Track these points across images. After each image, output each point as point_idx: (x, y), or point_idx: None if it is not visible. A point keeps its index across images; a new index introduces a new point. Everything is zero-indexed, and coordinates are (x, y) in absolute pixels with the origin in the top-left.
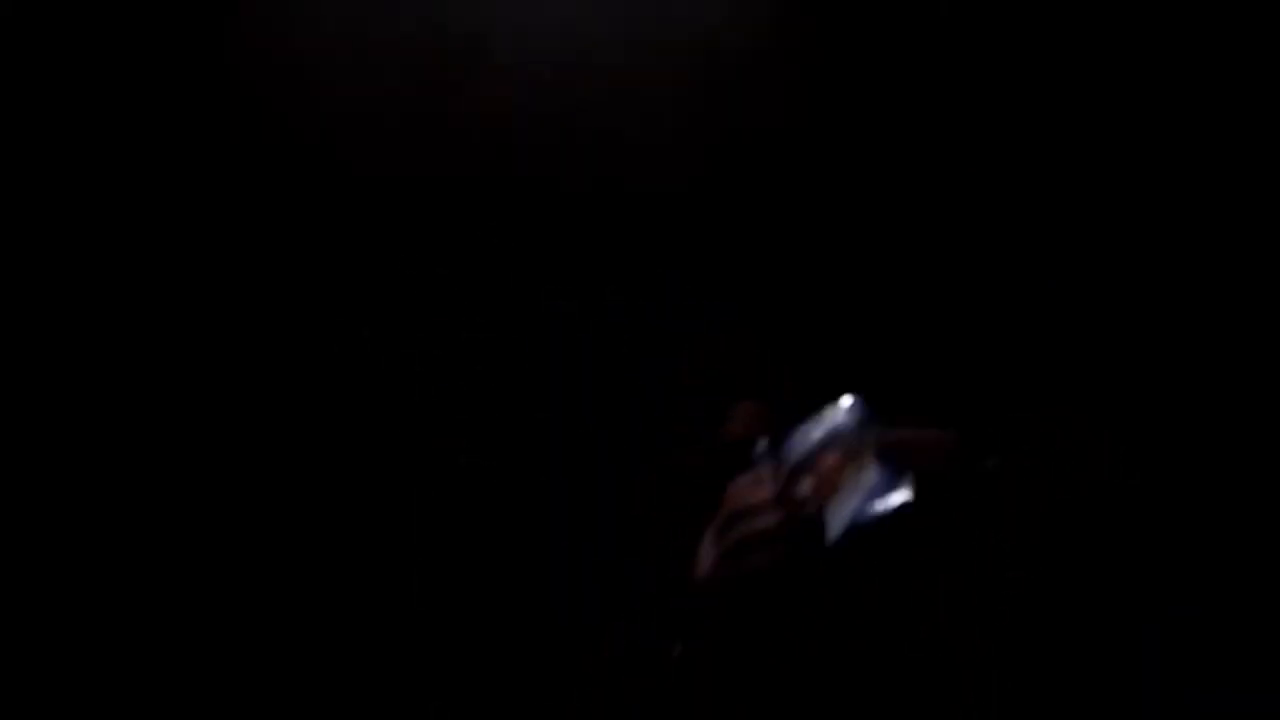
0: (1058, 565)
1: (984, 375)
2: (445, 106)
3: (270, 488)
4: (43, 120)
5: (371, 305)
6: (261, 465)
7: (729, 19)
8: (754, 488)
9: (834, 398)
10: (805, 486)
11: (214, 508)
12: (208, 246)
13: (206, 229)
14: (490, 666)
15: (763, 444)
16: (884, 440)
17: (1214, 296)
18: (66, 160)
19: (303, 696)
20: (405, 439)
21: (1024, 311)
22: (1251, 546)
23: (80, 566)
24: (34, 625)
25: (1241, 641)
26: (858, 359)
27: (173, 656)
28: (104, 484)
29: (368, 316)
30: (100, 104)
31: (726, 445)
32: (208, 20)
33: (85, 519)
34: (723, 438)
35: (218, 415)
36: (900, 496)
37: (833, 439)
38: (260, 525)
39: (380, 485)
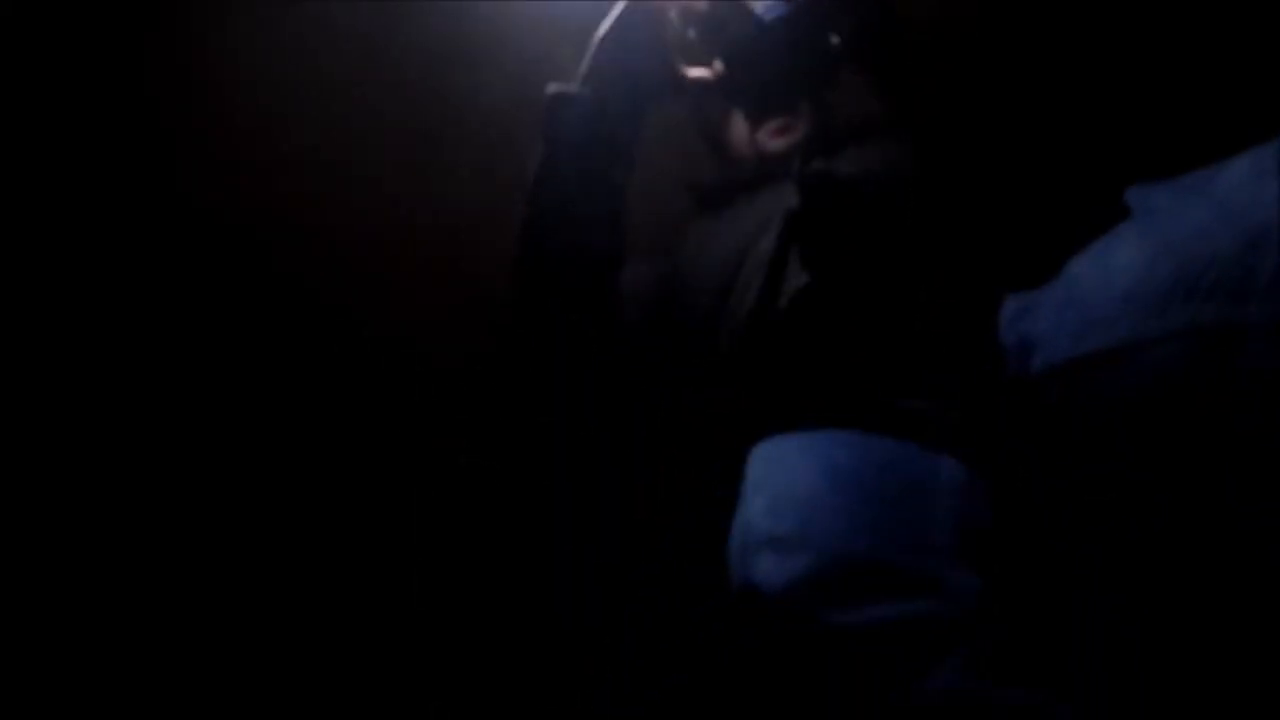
0: None
1: None
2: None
3: (270, 488)
4: None
5: (367, 306)
6: (260, 466)
7: None
8: None
9: None
10: None
11: (210, 509)
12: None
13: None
14: (490, 667)
15: None
16: None
17: None
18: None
19: (302, 697)
20: (404, 439)
21: None
22: None
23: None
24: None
25: None
26: None
27: (169, 656)
28: (97, 485)
29: (364, 317)
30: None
31: None
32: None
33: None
34: None
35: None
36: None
37: None
38: (261, 526)
39: (379, 486)
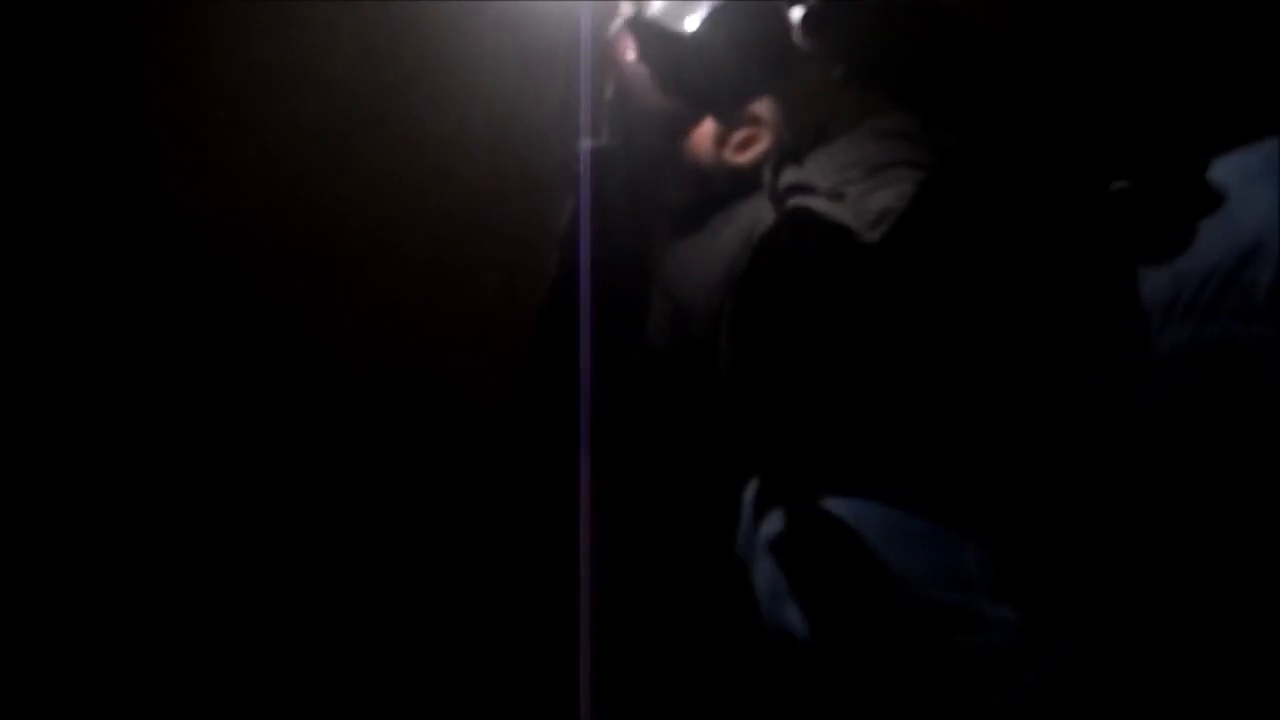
0: None
1: None
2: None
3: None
4: None
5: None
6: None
7: None
8: None
9: None
10: None
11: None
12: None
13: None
14: (488, 666)
15: None
16: None
17: None
18: None
19: (301, 697)
20: (400, 439)
21: None
22: None
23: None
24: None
25: None
26: None
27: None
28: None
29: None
30: None
31: None
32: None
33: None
34: None
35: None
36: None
37: None
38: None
39: (376, 485)
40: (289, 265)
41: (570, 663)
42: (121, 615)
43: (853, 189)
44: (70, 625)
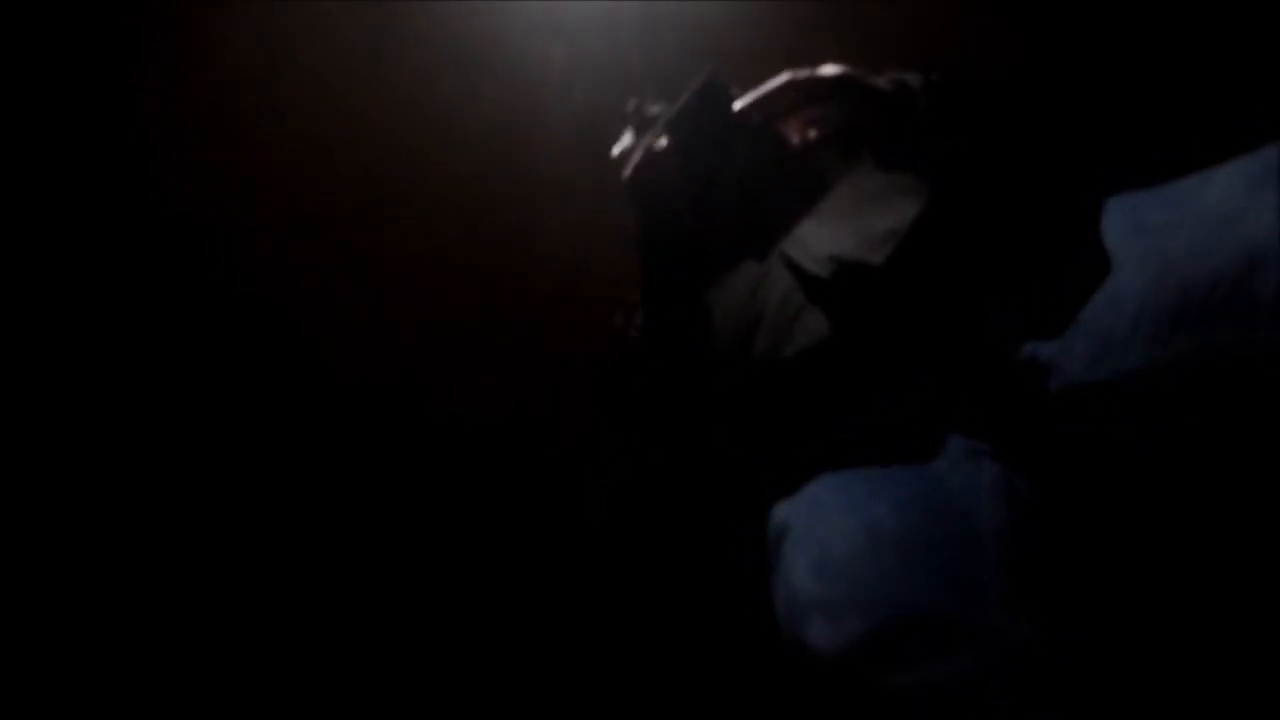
0: None
1: None
2: None
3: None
4: None
5: (360, 304)
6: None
7: None
8: None
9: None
10: None
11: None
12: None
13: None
14: (489, 667)
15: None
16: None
17: None
18: None
19: (301, 697)
20: (399, 440)
21: None
22: None
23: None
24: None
25: None
26: None
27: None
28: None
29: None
30: None
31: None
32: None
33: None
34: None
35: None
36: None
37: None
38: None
39: (375, 485)
40: (289, 265)
41: (573, 666)
42: (119, 614)
43: (857, 217)
44: (69, 624)
